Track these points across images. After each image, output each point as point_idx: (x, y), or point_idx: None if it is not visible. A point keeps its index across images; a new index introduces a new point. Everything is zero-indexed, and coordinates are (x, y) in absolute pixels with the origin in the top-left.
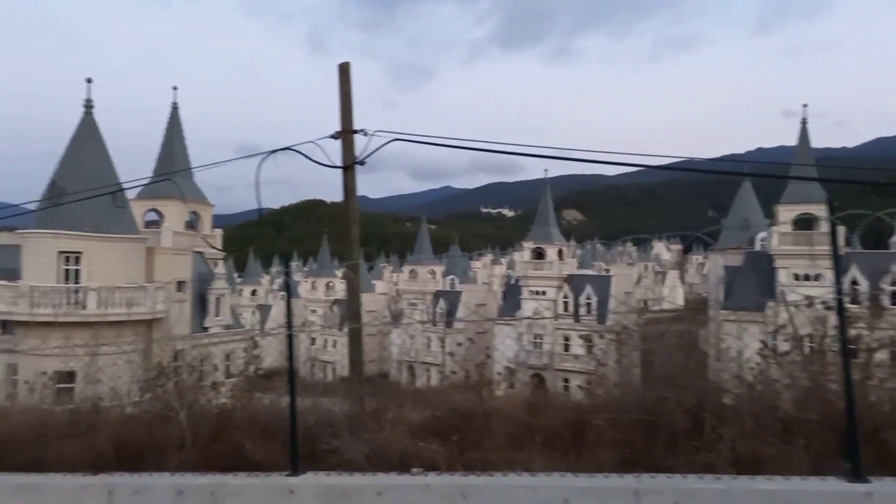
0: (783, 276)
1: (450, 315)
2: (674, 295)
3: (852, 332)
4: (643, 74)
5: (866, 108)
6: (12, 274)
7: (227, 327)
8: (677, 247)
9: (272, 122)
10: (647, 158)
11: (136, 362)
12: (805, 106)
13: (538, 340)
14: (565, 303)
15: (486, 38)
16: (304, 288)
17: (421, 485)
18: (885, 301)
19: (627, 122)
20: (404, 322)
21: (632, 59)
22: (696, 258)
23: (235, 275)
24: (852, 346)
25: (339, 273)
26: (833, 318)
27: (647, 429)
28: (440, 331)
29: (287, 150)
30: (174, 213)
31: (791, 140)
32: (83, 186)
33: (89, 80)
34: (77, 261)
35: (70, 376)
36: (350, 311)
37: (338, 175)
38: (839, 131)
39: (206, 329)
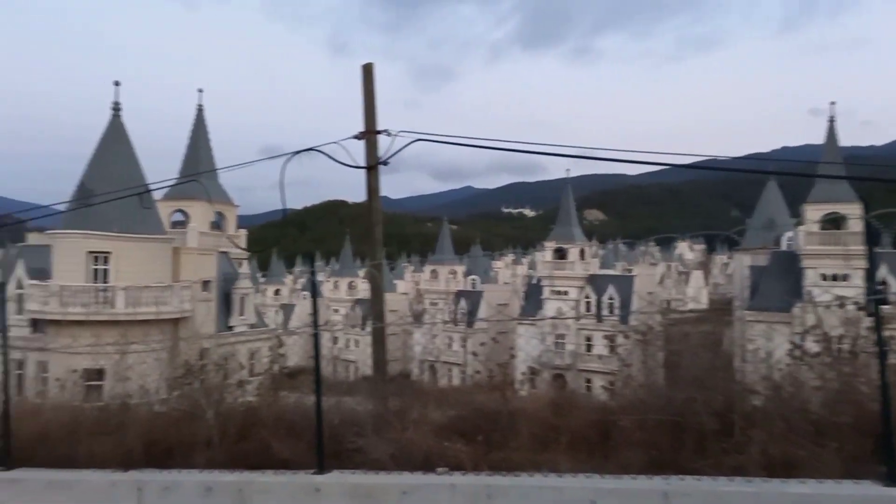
0: (811, 277)
1: (471, 315)
2: (698, 295)
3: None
4: (665, 74)
5: (895, 106)
6: (43, 274)
7: (252, 326)
8: (701, 247)
9: (294, 124)
10: (670, 157)
11: (163, 360)
12: (833, 104)
13: (560, 341)
14: (587, 303)
15: (507, 39)
16: (326, 288)
17: (446, 485)
18: None
19: (649, 121)
20: (427, 322)
21: (653, 59)
22: (720, 258)
23: (259, 274)
24: (886, 348)
25: (362, 273)
26: (865, 319)
27: (675, 430)
28: (462, 330)
29: (310, 151)
30: (200, 214)
31: (817, 139)
32: (111, 188)
33: (117, 83)
34: (106, 261)
35: (99, 374)
36: (373, 310)
37: (359, 176)
38: (867, 130)
39: (230, 328)
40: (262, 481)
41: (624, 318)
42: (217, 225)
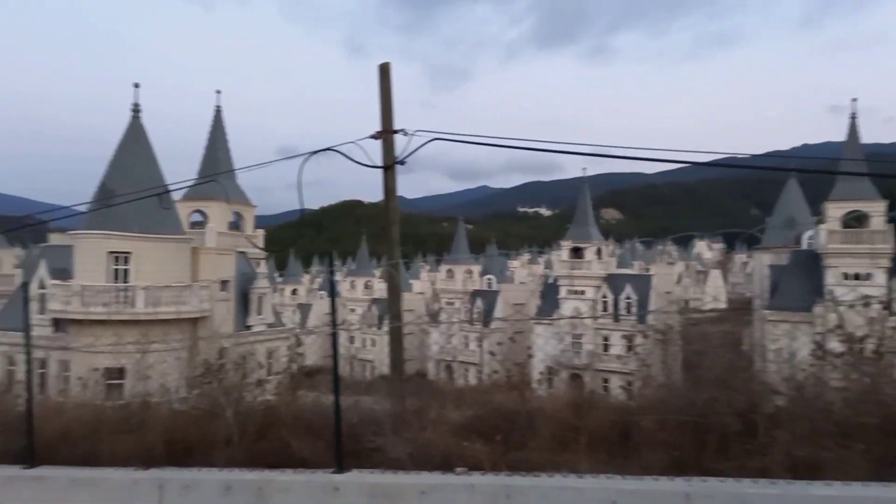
0: (832, 276)
1: (487, 314)
2: (717, 295)
3: None
4: (682, 72)
5: None
6: (65, 274)
7: (269, 326)
8: (719, 246)
9: (311, 125)
10: (688, 155)
11: (183, 360)
12: (854, 100)
13: (577, 340)
14: (604, 302)
15: (522, 38)
16: (343, 287)
17: (465, 485)
18: None
19: (666, 120)
20: (444, 321)
21: (670, 57)
22: (738, 257)
23: (276, 274)
24: None
25: (378, 272)
26: (890, 319)
27: (697, 431)
28: (478, 330)
29: (327, 151)
30: (218, 214)
31: (838, 136)
32: (131, 188)
33: (136, 85)
34: (126, 261)
35: (120, 373)
36: (391, 309)
37: (375, 176)
38: (889, 127)
39: (248, 327)
40: (281, 480)
41: (641, 318)
42: (235, 225)
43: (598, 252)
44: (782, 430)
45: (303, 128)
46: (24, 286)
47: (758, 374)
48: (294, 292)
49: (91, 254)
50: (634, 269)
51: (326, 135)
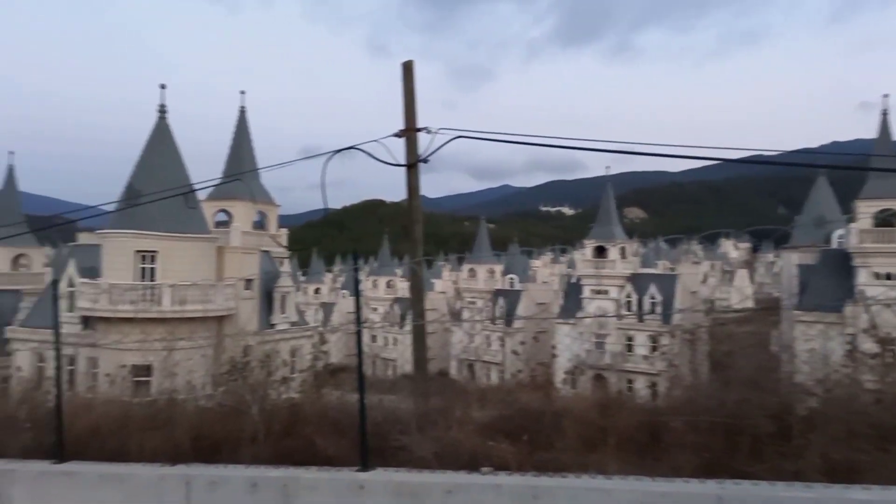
0: (863, 276)
1: (510, 314)
2: (743, 294)
3: None
4: (707, 70)
5: None
6: (93, 272)
7: (293, 324)
8: (745, 245)
9: (333, 125)
10: (715, 152)
11: (209, 357)
12: (886, 96)
13: (601, 340)
14: (628, 302)
15: (544, 37)
16: (365, 286)
17: (491, 485)
18: None
19: (691, 118)
20: (467, 320)
21: (695, 55)
22: (765, 257)
23: (299, 273)
24: None
25: (400, 272)
26: None
27: (728, 433)
28: (500, 329)
29: (350, 150)
30: (242, 214)
31: (868, 133)
32: (158, 188)
33: (163, 86)
34: (153, 259)
35: (147, 370)
36: (414, 308)
37: (397, 175)
38: None
39: (272, 326)
40: (306, 477)
41: (666, 318)
42: (259, 224)
43: (622, 251)
44: (817, 433)
45: (325, 128)
46: (54, 284)
47: (788, 375)
48: (317, 291)
49: (119, 253)
50: (659, 268)
51: (348, 134)
